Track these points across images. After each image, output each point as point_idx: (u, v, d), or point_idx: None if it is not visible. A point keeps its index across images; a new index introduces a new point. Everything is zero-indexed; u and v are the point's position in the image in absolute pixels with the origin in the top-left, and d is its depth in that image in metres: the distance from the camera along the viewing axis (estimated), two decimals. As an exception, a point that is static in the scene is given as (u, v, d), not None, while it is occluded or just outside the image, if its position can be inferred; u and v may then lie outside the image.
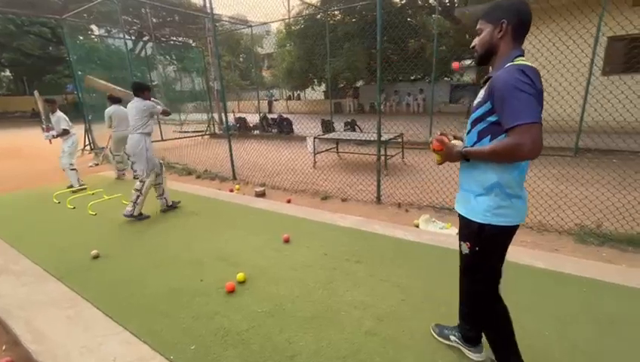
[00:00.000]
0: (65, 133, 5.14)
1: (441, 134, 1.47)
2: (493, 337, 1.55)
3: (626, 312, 1.97)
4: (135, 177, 4.18)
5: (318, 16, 15.49)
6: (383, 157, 5.32)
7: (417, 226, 3.38)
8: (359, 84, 19.70)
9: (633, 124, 4.91)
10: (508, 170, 1.28)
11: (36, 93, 5.63)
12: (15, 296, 2.39)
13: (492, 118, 1.26)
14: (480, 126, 1.32)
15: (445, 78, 17.09)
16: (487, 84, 1.29)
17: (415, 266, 2.56)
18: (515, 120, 1.14)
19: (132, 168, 4.42)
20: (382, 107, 4.01)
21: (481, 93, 1.32)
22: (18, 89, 27.19)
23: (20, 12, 15.26)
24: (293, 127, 10.98)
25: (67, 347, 1.88)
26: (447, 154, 1.42)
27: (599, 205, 3.45)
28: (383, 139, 4.38)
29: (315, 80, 20.24)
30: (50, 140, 5.19)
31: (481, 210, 1.34)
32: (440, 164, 1.48)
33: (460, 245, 1.50)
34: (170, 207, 4.16)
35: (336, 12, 15.94)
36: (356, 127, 9.27)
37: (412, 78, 17.92)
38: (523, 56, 1.27)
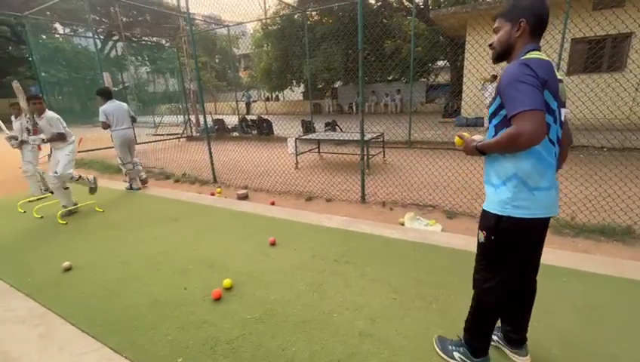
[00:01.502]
0: (61, 137, 4.01)
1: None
2: (474, 324, 1.55)
3: (605, 299, 2.05)
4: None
5: (296, 16, 15.44)
6: (365, 157, 5.34)
7: (403, 224, 3.41)
8: (337, 84, 19.79)
9: (593, 122, 5.21)
10: (524, 159, 1.27)
11: (15, 83, 3.99)
12: (-22, 316, 2.19)
13: (504, 112, 1.27)
14: (495, 120, 1.34)
15: (422, 79, 17.47)
16: None
17: (404, 264, 2.57)
18: (514, 108, 1.16)
19: (121, 159, 5.10)
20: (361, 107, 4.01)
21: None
22: (-26, 91, 25.32)
23: (-26, 9, 14.18)
24: (274, 128, 10.86)
25: (40, 368, 1.74)
26: (465, 149, 1.43)
27: (573, 198, 3.61)
28: (365, 138, 4.39)
29: (294, 80, 20.15)
30: (39, 146, 4.14)
31: (499, 201, 1.33)
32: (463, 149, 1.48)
33: (477, 234, 1.47)
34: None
35: (313, 12, 15.93)
36: (337, 127, 9.30)
37: (389, 78, 18.22)
38: (538, 50, 1.28)
